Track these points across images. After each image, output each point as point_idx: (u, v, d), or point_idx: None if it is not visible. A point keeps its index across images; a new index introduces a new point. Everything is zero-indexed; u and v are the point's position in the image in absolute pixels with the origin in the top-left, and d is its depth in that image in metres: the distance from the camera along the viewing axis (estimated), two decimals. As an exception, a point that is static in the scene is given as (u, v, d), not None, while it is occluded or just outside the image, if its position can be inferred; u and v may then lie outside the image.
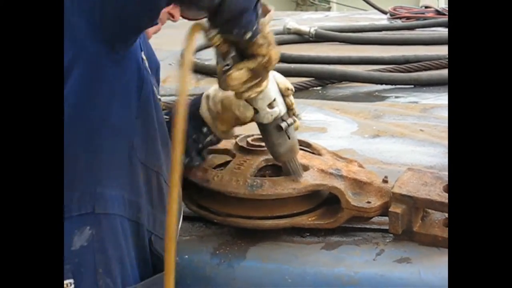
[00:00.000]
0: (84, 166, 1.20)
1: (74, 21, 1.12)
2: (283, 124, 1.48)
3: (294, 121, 1.50)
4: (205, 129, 1.59)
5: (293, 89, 1.51)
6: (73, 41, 1.13)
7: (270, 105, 1.46)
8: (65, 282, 1.17)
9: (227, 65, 1.27)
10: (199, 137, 1.60)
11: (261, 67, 1.28)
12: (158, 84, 1.46)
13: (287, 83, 1.50)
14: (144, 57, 1.31)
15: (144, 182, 1.29)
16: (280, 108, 1.47)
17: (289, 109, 1.50)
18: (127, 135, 1.24)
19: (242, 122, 1.53)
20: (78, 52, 1.14)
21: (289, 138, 1.51)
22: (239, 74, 1.28)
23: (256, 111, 1.46)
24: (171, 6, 1.47)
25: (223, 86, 1.32)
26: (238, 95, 1.37)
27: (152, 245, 1.31)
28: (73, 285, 1.18)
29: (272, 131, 1.49)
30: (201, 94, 1.63)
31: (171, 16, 1.54)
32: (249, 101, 1.45)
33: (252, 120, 1.51)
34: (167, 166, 1.35)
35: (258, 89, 1.36)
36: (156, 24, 1.38)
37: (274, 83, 1.47)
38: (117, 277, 1.23)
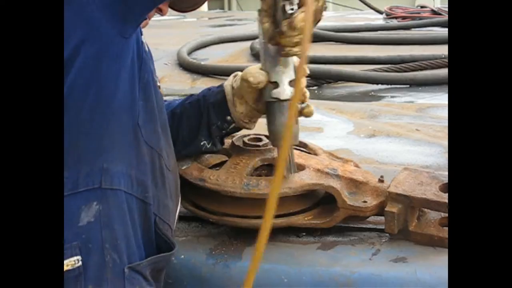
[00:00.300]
0: (92, 142, 1.21)
1: (85, 1, 1.14)
2: (299, 105, 1.50)
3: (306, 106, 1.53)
4: (228, 117, 1.64)
5: (307, 71, 1.51)
6: (85, 20, 1.15)
7: (291, 83, 1.49)
8: (73, 259, 1.17)
9: (292, 9, 1.35)
10: (223, 125, 1.65)
11: (319, 10, 1.36)
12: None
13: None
14: (143, 41, 1.33)
15: (149, 163, 1.30)
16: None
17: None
18: (132, 112, 1.26)
19: (254, 91, 1.54)
20: (90, 30, 1.16)
21: (296, 123, 1.51)
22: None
23: (276, 85, 1.49)
24: None
25: (287, 28, 1.36)
26: (288, 49, 1.38)
27: (157, 226, 1.32)
28: (80, 262, 1.18)
29: (285, 109, 1.50)
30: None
31: (159, 10, 1.53)
32: (273, 75, 1.49)
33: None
34: (167, 151, 1.38)
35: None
36: (145, 19, 1.39)
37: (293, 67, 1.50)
38: (123, 253, 1.23)
